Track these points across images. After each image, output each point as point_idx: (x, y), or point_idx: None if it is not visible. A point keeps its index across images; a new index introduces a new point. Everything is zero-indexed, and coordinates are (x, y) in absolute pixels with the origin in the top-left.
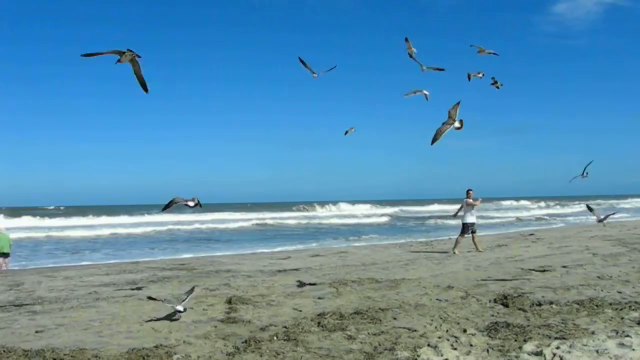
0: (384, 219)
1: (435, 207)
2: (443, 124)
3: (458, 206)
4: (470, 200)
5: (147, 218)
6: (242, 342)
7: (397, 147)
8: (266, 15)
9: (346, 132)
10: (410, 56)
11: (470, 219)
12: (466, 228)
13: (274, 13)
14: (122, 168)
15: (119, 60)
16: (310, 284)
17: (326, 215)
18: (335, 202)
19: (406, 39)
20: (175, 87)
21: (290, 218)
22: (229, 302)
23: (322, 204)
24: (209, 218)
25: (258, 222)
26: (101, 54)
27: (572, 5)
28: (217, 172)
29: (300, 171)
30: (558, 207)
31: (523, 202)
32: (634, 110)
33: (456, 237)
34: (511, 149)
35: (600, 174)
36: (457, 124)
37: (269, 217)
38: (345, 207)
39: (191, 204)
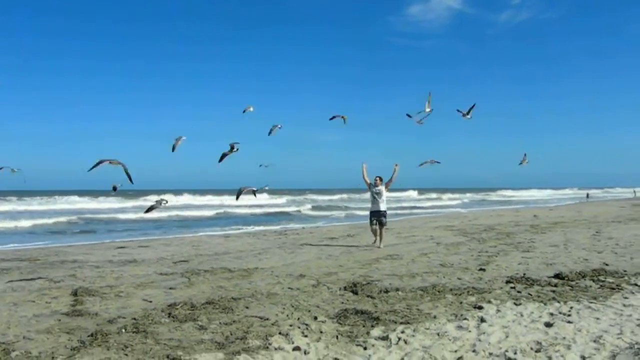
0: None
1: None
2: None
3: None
4: (379, 188)
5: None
6: (88, 336)
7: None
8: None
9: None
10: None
11: (374, 206)
12: (370, 217)
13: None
14: None
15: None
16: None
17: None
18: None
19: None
20: None
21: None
22: (75, 294)
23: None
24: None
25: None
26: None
27: (425, 8)
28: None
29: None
30: (436, 198)
31: (410, 193)
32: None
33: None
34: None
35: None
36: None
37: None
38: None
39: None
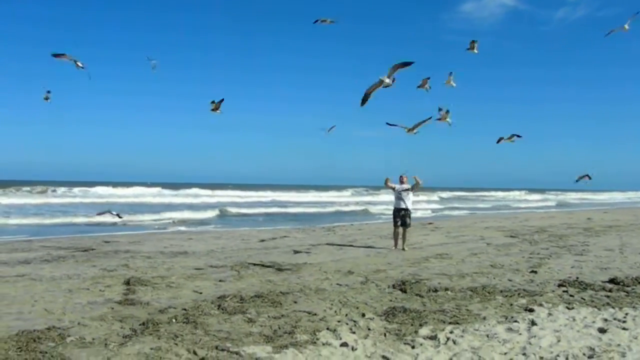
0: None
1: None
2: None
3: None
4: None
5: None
6: (140, 325)
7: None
8: None
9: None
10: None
11: (398, 204)
12: (394, 216)
13: None
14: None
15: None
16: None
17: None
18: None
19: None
20: None
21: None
22: (127, 283)
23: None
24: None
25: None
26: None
27: (479, 5)
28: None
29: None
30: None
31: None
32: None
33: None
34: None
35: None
36: (387, 81)
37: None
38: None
39: None
